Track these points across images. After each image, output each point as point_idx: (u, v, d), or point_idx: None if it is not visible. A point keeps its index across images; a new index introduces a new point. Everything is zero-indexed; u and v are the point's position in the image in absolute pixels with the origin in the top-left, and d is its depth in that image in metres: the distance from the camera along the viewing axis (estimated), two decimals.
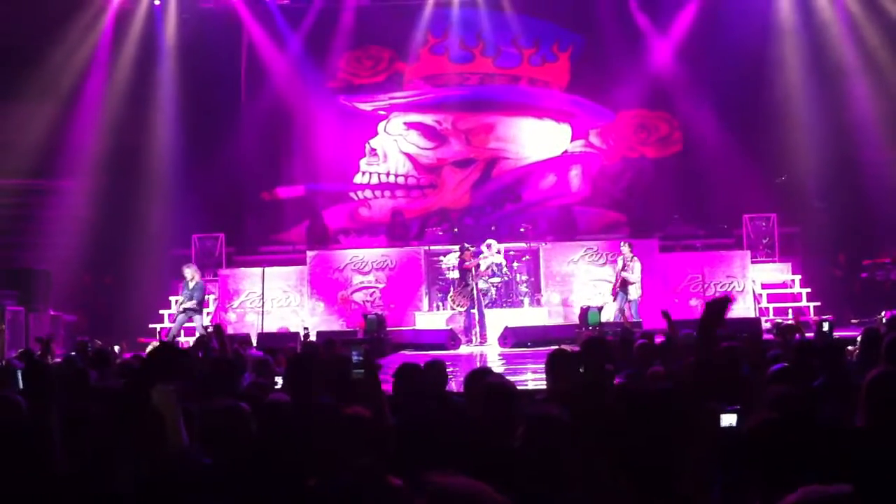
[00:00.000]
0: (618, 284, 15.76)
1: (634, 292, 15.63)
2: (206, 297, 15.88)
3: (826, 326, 9.53)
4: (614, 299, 15.81)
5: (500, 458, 3.59)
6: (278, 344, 11.45)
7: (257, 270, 17.21)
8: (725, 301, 3.59)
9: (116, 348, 13.36)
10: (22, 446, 3.26)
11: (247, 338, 13.49)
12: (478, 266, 15.70)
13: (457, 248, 16.56)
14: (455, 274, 16.13)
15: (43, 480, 3.19)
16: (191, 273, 15.29)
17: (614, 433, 2.42)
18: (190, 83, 19.04)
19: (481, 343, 15.38)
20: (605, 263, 16.96)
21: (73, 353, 10.60)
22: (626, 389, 3.08)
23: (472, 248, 15.92)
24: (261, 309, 17.00)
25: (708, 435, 3.30)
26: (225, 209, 19.36)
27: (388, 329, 15.32)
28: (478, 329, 15.52)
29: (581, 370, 5.60)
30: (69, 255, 17.55)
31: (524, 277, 17.30)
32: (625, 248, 15.85)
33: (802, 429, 3.06)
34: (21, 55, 17.23)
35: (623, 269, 15.73)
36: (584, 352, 5.63)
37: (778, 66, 18.87)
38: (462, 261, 15.78)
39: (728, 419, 3.72)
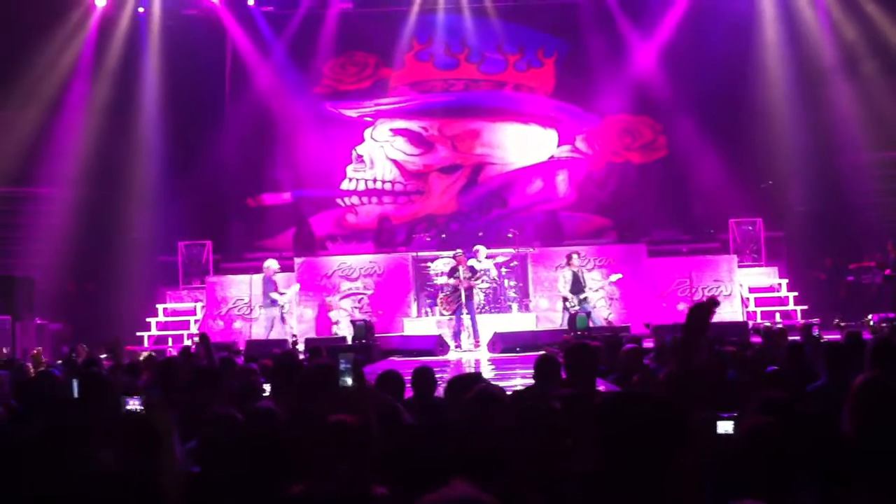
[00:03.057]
0: (580, 298, 15.64)
1: (593, 300, 15.82)
2: (273, 294, 15.80)
3: (816, 331, 9.56)
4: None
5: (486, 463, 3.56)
6: (265, 351, 11.40)
7: (245, 277, 17.16)
8: (711, 305, 3.44)
9: (103, 356, 13.25)
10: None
11: (234, 345, 13.43)
12: (471, 276, 15.64)
13: (445, 253, 16.59)
14: (444, 279, 16.11)
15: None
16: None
17: (605, 440, 2.40)
18: (174, 90, 18.95)
19: (475, 347, 15.37)
20: (592, 268, 16.92)
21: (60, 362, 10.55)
22: (619, 395, 3.05)
23: (462, 254, 15.89)
24: (249, 316, 16.95)
25: (703, 443, 3.28)
26: (211, 216, 19.29)
27: (376, 335, 15.29)
28: (471, 333, 15.50)
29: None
30: (53, 262, 17.43)
31: (512, 283, 17.31)
32: (575, 259, 15.84)
33: (793, 433, 3.05)
34: (4, 62, 17.11)
35: (576, 279, 15.68)
36: (567, 358, 5.58)
37: (761, 72, 18.95)
38: (453, 268, 15.75)
39: (724, 426, 3.68)
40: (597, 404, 2.68)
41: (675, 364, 4.85)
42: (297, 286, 16.64)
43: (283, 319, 15.76)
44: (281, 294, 15.72)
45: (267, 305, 15.67)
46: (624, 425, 2.36)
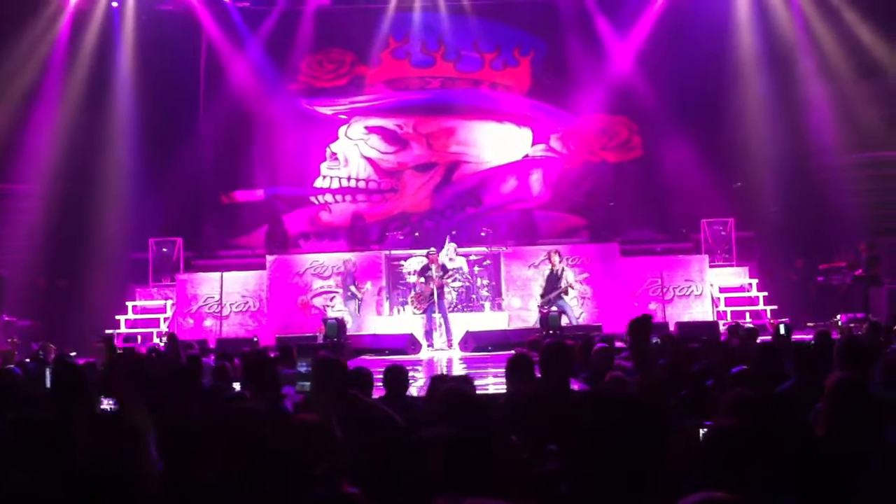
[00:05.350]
0: (554, 295, 15.65)
1: (571, 298, 15.90)
2: (352, 287, 16.60)
3: (783, 329, 9.58)
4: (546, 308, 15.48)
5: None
6: (236, 349, 11.33)
7: (215, 275, 17.08)
8: (646, 318, 3.50)
9: (73, 353, 13.13)
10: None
11: (204, 343, 13.35)
12: (443, 275, 15.62)
13: (419, 252, 16.58)
14: (416, 278, 16.11)
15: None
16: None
17: (583, 441, 2.37)
18: (148, 85, 18.79)
19: (447, 346, 15.36)
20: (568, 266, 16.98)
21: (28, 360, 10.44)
22: (594, 394, 3.04)
23: (435, 253, 15.89)
24: (219, 314, 16.87)
25: (685, 448, 3.28)
26: (183, 213, 19.12)
27: (347, 333, 15.25)
28: (443, 332, 15.50)
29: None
30: (24, 259, 17.24)
31: (485, 282, 17.33)
32: (555, 258, 15.90)
33: (757, 434, 3.05)
34: None
35: (553, 277, 15.73)
36: (543, 356, 5.57)
37: (736, 73, 19.06)
38: (425, 267, 15.73)
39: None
40: (570, 404, 2.67)
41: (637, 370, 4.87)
42: (370, 283, 16.96)
43: (359, 311, 16.58)
44: (359, 288, 16.43)
45: (347, 298, 16.45)
46: (595, 425, 2.34)
